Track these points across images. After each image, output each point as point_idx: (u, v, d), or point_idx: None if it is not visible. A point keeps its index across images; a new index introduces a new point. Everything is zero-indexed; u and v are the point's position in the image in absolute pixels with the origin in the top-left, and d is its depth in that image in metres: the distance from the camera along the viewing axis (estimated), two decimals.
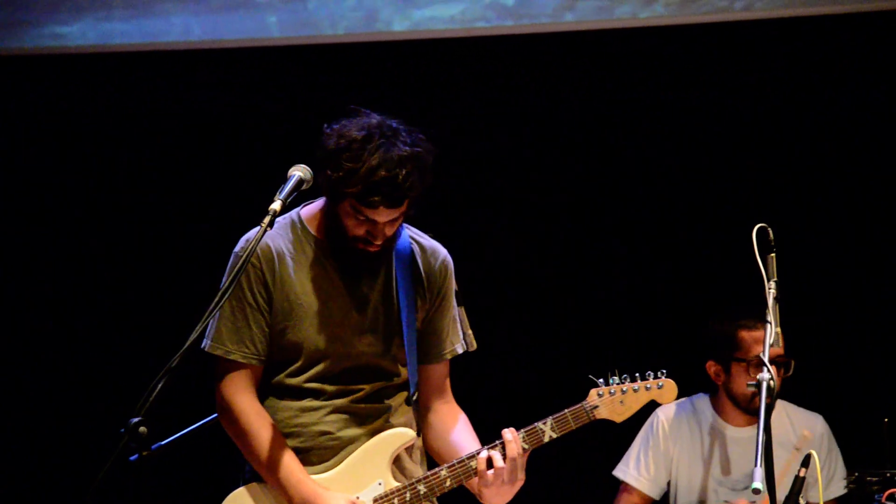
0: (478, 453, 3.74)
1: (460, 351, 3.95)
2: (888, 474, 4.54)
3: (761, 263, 4.02)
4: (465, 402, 3.99)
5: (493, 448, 3.74)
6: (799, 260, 5.48)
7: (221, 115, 6.06)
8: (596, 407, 3.78)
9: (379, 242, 3.70)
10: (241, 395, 3.76)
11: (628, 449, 5.34)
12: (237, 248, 3.78)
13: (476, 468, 3.72)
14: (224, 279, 3.70)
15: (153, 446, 3.30)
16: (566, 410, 3.76)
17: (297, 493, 3.70)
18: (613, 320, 6.04)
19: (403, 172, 3.58)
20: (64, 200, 6.12)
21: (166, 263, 6.08)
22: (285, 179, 3.63)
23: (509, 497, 3.77)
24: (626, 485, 5.29)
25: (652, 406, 3.85)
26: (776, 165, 5.97)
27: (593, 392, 3.80)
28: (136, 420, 3.23)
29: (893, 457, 4.70)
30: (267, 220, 3.55)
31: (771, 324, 4.00)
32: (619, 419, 3.82)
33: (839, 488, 5.18)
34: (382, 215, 3.64)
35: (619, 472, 5.32)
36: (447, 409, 3.94)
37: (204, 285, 3.91)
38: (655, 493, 5.28)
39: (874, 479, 4.60)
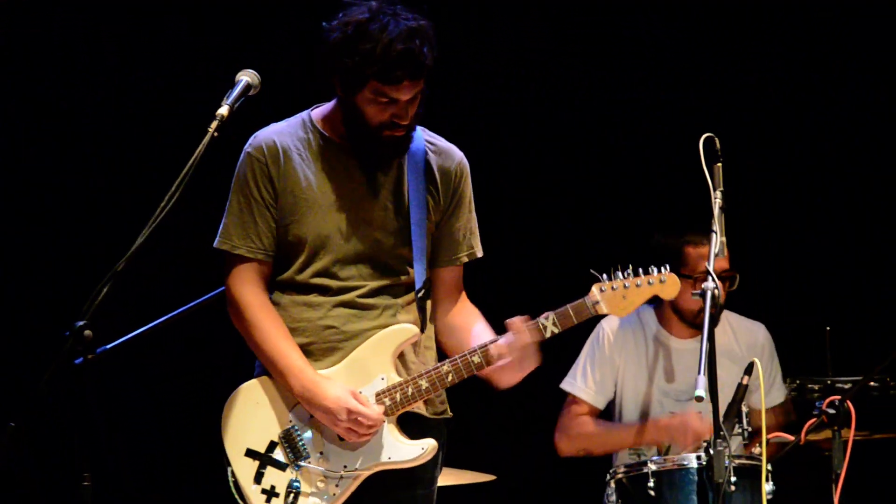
0: (480, 348, 3.73)
1: (479, 254, 3.94)
2: (829, 381, 4.61)
3: (708, 173, 4.05)
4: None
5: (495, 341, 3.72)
6: (744, 171, 5.52)
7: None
8: (597, 302, 3.73)
9: (405, 123, 3.69)
10: (247, 289, 3.79)
11: (575, 361, 5.38)
12: (248, 148, 3.80)
13: (477, 364, 3.71)
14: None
15: (98, 349, 3.29)
16: (568, 306, 3.73)
17: (298, 381, 3.72)
18: (562, 230, 6.06)
19: (417, 42, 3.60)
20: None
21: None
22: (232, 84, 3.62)
23: (521, 376, 3.75)
24: (574, 396, 5.33)
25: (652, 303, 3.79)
26: (725, 73, 5.98)
27: (595, 287, 3.75)
28: (81, 323, 3.24)
29: (834, 365, 4.78)
30: (214, 124, 3.55)
31: (716, 233, 4.04)
32: (622, 314, 3.78)
33: (780, 395, 5.25)
34: (405, 91, 3.64)
35: (566, 385, 5.36)
36: (462, 307, 3.93)
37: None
38: (601, 404, 5.33)
39: (815, 386, 4.68)
